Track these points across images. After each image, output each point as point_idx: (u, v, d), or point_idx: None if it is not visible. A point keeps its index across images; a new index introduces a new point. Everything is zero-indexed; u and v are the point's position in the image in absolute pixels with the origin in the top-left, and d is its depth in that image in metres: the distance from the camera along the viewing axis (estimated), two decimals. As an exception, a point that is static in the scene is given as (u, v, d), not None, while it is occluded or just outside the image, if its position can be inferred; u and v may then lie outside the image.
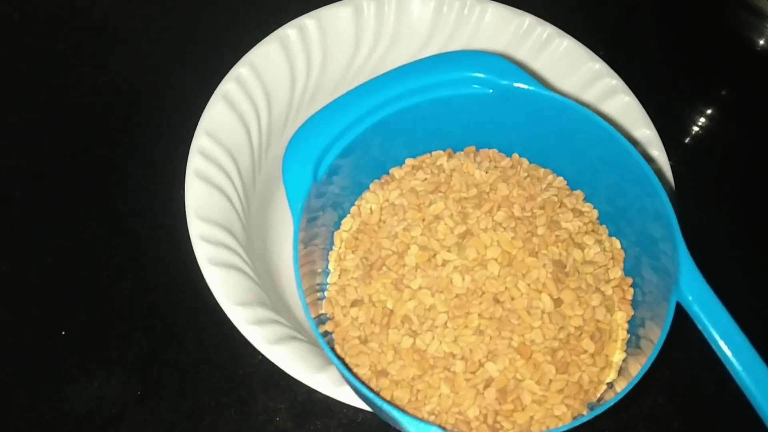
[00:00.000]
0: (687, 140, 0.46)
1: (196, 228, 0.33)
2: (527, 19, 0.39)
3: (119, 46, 0.47)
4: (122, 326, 0.38)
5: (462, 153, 0.34)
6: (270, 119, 0.38)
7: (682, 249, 0.27)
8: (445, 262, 0.30)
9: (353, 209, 0.33)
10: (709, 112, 0.47)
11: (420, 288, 0.29)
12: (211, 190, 0.34)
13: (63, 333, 0.38)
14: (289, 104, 0.39)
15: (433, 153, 0.34)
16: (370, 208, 0.33)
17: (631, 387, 0.26)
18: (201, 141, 0.35)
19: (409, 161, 0.34)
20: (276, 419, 0.37)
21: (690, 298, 0.26)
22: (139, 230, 0.41)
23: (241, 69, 0.37)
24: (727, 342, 0.25)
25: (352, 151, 0.30)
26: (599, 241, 0.31)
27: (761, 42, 0.46)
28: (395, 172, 0.33)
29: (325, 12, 0.38)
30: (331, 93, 0.40)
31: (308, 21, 0.38)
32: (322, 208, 0.31)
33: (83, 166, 0.43)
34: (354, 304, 0.30)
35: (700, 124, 0.46)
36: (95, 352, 0.38)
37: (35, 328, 0.38)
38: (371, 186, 0.33)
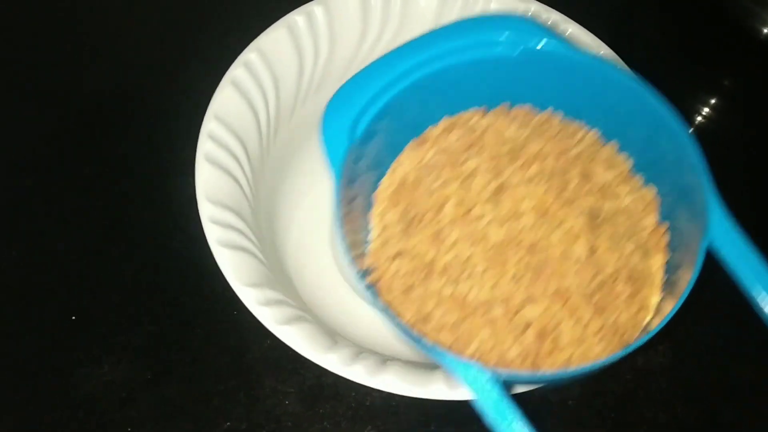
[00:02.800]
0: (690, 130, 0.46)
1: (206, 210, 0.33)
2: (532, 6, 0.39)
3: (128, 32, 0.47)
4: (131, 311, 0.39)
5: (495, 111, 0.34)
6: (278, 105, 0.38)
7: (710, 195, 0.27)
8: (480, 216, 0.31)
9: (391, 169, 0.34)
10: (712, 101, 0.47)
11: (458, 240, 0.30)
12: (221, 174, 0.35)
13: (73, 318, 0.39)
14: (296, 90, 0.39)
15: (467, 112, 0.34)
16: (408, 168, 0.33)
17: (662, 326, 0.27)
18: (210, 126, 0.35)
19: (443, 121, 0.34)
20: (285, 403, 0.37)
21: (719, 242, 0.27)
22: (148, 216, 0.41)
23: (249, 54, 0.37)
24: (761, 283, 0.26)
25: (387, 113, 0.31)
26: (633, 191, 0.32)
27: (765, 31, 0.46)
28: (430, 131, 0.34)
29: (333, -1, 0.39)
30: (339, 79, 0.40)
31: (316, 7, 0.38)
32: (361, 169, 0.32)
33: (92, 151, 0.43)
34: (396, 256, 0.31)
35: (703, 113, 0.46)
36: (104, 337, 0.38)
37: (45, 314, 0.39)
38: (408, 146, 0.34)
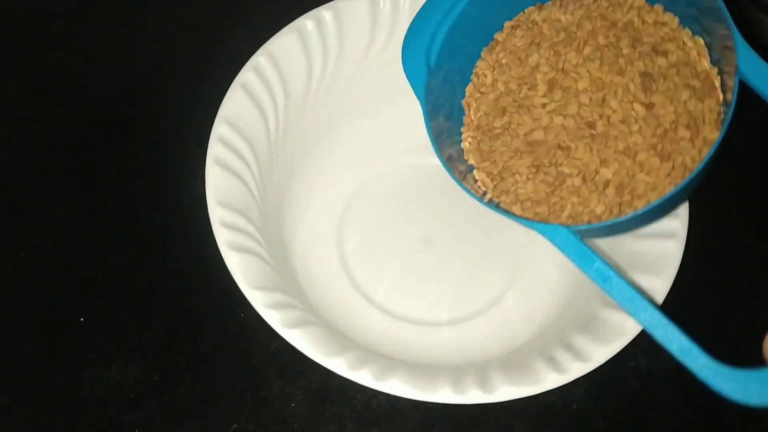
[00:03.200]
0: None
1: (216, 214, 0.34)
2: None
3: (139, 36, 0.48)
4: (140, 313, 0.39)
5: (549, 2, 0.37)
6: (287, 108, 0.39)
7: (737, 37, 0.30)
8: (546, 104, 0.34)
9: (472, 78, 0.37)
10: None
11: (531, 131, 0.34)
12: (231, 178, 0.35)
13: (81, 319, 0.39)
14: (305, 93, 0.39)
15: (526, 10, 0.37)
16: (484, 74, 0.37)
17: (714, 149, 0.30)
18: (221, 129, 0.36)
19: (507, 24, 0.37)
20: (291, 405, 0.37)
21: (749, 73, 0.30)
22: (157, 218, 0.41)
23: (259, 59, 0.37)
24: None
25: (455, 32, 0.35)
26: (683, 44, 0.34)
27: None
28: (498, 36, 0.37)
29: (342, 4, 0.39)
30: (347, 83, 0.40)
31: (325, 12, 0.39)
32: (448, 84, 0.36)
33: (102, 154, 0.43)
34: (489, 153, 0.35)
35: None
36: (113, 339, 0.38)
37: (53, 315, 0.39)
38: (482, 54, 0.37)
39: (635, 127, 0.32)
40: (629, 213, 0.32)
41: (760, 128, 0.44)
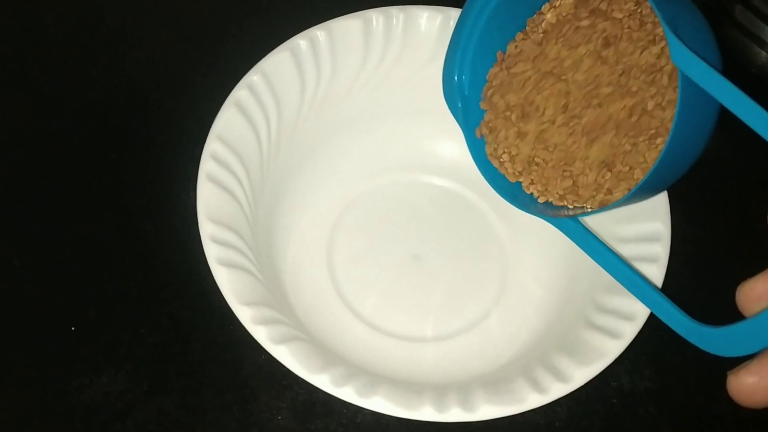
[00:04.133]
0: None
1: (207, 229, 0.34)
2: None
3: (135, 53, 0.48)
4: (130, 324, 0.39)
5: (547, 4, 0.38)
6: (279, 126, 0.39)
7: (667, 32, 0.30)
8: (546, 107, 0.36)
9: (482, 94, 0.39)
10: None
11: (537, 130, 0.37)
12: (222, 194, 0.35)
13: (72, 329, 0.39)
14: (298, 111, 0.40)
15: (533, 17, 0.38)
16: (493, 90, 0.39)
17: (673, 129, 0.30)
18: (213, 146, 0.36)
19: (519, 35, 0.38)
20: (278, 417, 0.38)
21: (682, 67, 0.30)
22: (149, 231, 0.42)
23: (253, 77, 0.38)
24: (719, 89, 0.29)
25: (480, 59, 0.38)
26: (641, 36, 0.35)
27: (757, 64, 0.47)
28: (509, 47, 0.39)
29: (336, 24, 0.40)
30: (339, 102, 0.41)
31: (319, 32, 0.39)
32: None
33: (96, 167, 0.44)
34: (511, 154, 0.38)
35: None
36: (104, 349, 0.39)
37: (45, 324, 0.40)
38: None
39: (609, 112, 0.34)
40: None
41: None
